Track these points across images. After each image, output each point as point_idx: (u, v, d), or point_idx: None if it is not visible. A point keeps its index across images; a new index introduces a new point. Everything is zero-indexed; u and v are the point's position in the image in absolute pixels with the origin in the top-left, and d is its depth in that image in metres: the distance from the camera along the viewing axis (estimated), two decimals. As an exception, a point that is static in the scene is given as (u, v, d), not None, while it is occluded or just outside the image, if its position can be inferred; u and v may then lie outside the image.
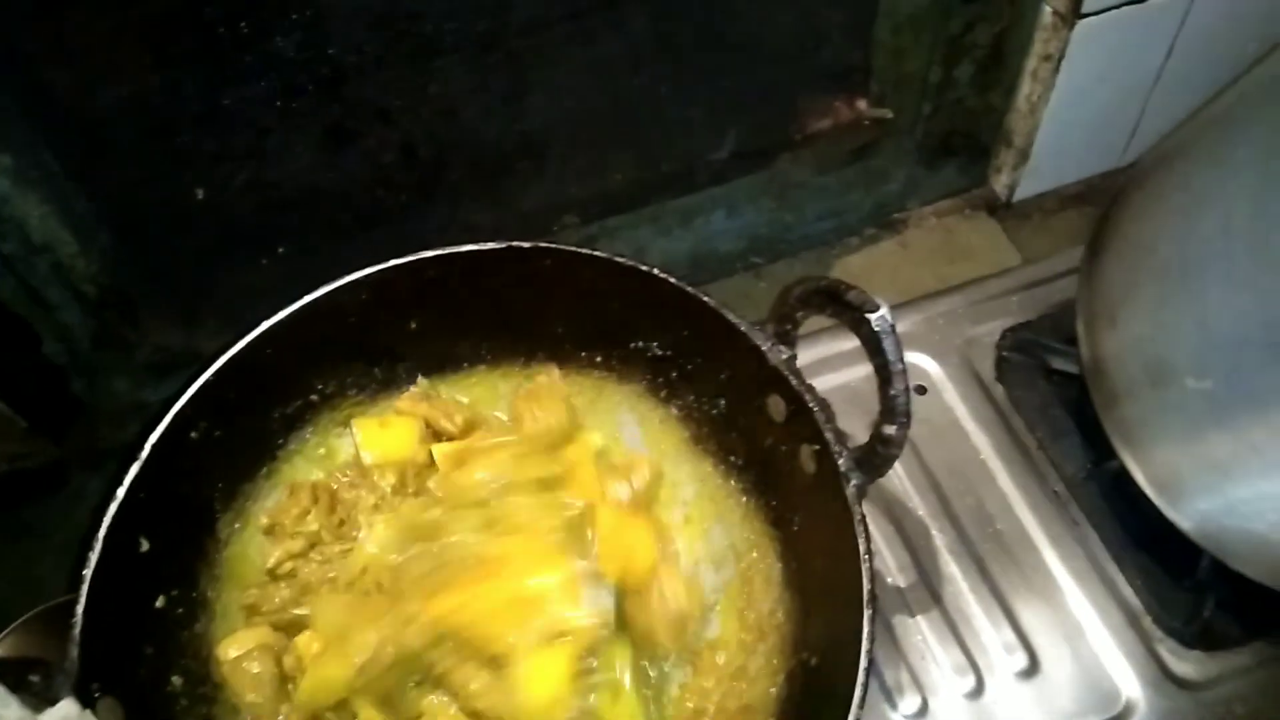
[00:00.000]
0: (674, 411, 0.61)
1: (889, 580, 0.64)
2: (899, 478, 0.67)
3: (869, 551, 0.48)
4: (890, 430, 0.49)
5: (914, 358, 0.73)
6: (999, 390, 0.71)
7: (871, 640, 0.47)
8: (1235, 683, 0.60)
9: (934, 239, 0.89)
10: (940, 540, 0.65)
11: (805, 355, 0.60)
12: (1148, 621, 0.62)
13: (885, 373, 0.48)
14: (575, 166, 0.73)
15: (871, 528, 0.65)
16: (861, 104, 0.82)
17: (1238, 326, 0.44)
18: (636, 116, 0.72)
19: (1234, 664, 0.60)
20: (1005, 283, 0.76)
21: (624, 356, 0.61)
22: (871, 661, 0.46)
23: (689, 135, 0.75)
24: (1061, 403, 0.68)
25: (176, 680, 0.51)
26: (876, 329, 0.48)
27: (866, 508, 0.50)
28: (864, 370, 0.52)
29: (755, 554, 0.58)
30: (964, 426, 0.70)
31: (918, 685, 0.60)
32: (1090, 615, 0.62)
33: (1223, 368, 0.46)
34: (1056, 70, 0.71)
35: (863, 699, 0.45)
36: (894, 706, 0.60)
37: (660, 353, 0.60)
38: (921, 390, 0.71)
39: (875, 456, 0.50)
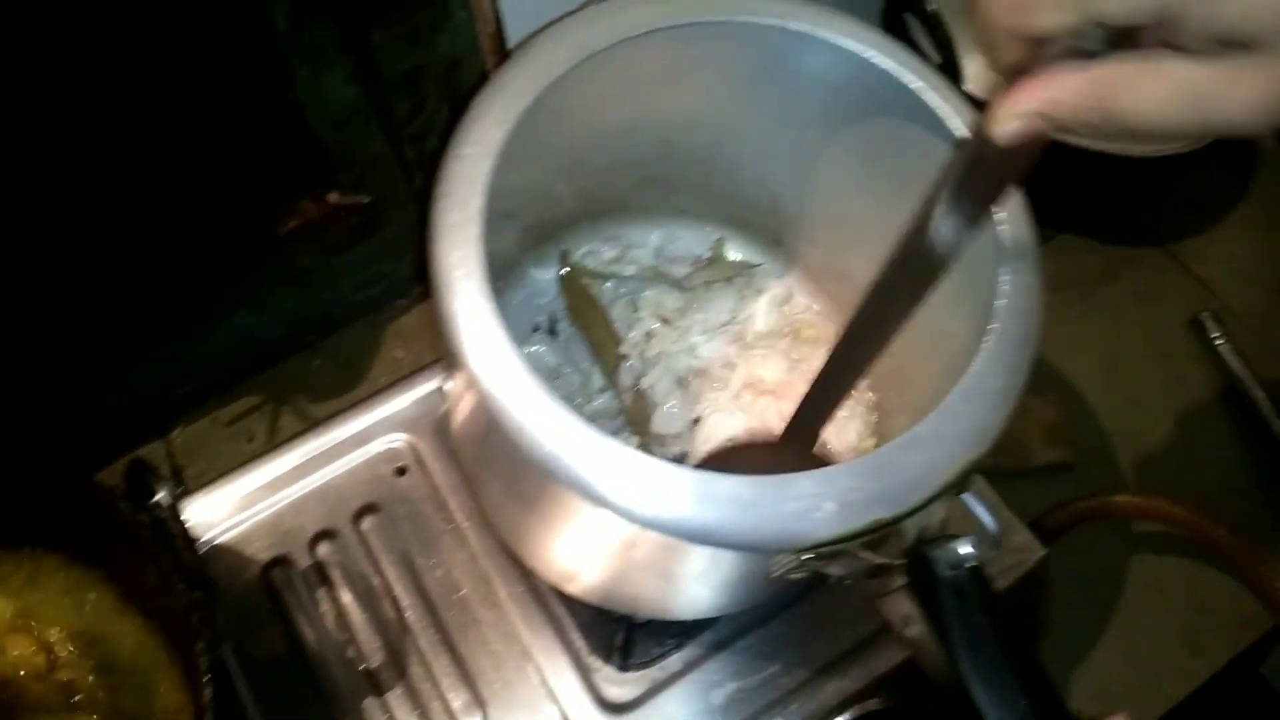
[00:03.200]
0: (101, 575, 0.65)
1: (361, 667, 0.70)
2: (376, 566, 0.74)
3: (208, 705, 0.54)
4: (196, 596, 0.54)
5: (397, 439, 0.78)
6: (474, 458, 0.77)
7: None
8: (657, 696, 0.69)
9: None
10: (410, 616, 0.72)
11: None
12: (585, 654, 0.70)
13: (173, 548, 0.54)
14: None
15: (350, 617, 0.72)
16: (333, 196, 0.86)
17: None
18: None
19: (653, 678, 0.69)
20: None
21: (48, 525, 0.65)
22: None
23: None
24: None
25: None
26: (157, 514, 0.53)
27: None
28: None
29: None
30: (442, 498, 0.76)
31: (380, 763, 0.67)
32: (542, 658, 0.70)
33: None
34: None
35: None
36: (357, 790, 0.67)
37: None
38: (402, 471, 0.77)
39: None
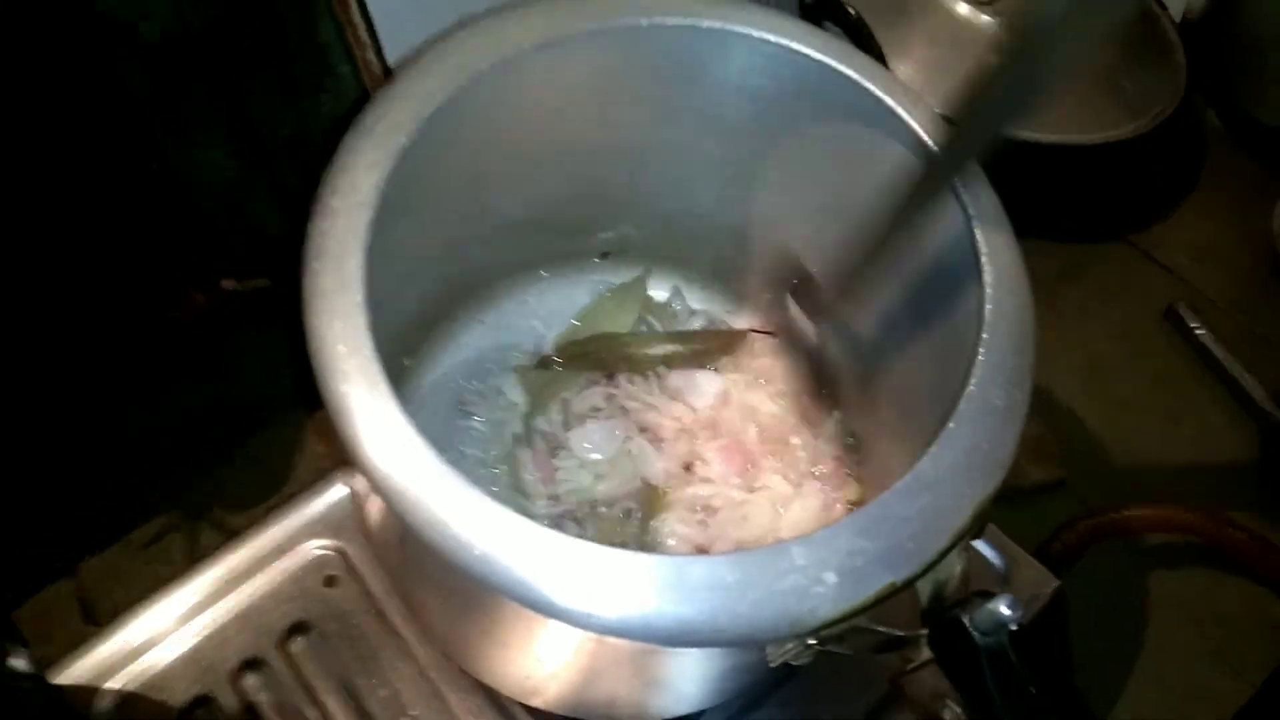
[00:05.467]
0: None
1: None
2: (311, 695, 0.64)
3: None
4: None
5: (323, 544, 0.69)
6: (411, 557, 0.68)
7: None
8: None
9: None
10: (354, 751, 0.62)
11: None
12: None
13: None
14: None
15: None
16: (228, 282, 0.77)
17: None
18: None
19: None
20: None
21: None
22: None
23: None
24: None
25: None
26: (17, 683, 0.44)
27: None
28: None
29: None
30: (379, 607, 0.67)
31: None
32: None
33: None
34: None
35: None
36: None
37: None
38: (331, 581, 0.68)
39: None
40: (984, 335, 0.40)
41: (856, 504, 0.62)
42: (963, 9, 0.84)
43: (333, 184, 0.40)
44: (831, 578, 0.35)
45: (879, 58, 0.74)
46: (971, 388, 0.39)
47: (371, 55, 0.65)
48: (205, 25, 0.57)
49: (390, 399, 0.36)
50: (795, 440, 0.61)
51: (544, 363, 0.68)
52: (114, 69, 0.56)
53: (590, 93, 0.50)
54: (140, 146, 0.59)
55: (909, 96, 0.47)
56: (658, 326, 0.69)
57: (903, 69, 0.80)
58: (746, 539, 0.55)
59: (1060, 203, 0.93)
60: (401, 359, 0.58)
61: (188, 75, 0.60)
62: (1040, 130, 0.83)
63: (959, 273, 0.44)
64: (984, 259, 0.42)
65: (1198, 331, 0.86)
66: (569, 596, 0.35)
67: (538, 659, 0.46)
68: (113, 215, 0.63)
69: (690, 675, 0.45)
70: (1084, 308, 0.90)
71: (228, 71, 0.61)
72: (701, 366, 0.65)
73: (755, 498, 0.58)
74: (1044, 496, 0.79)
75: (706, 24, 0.47)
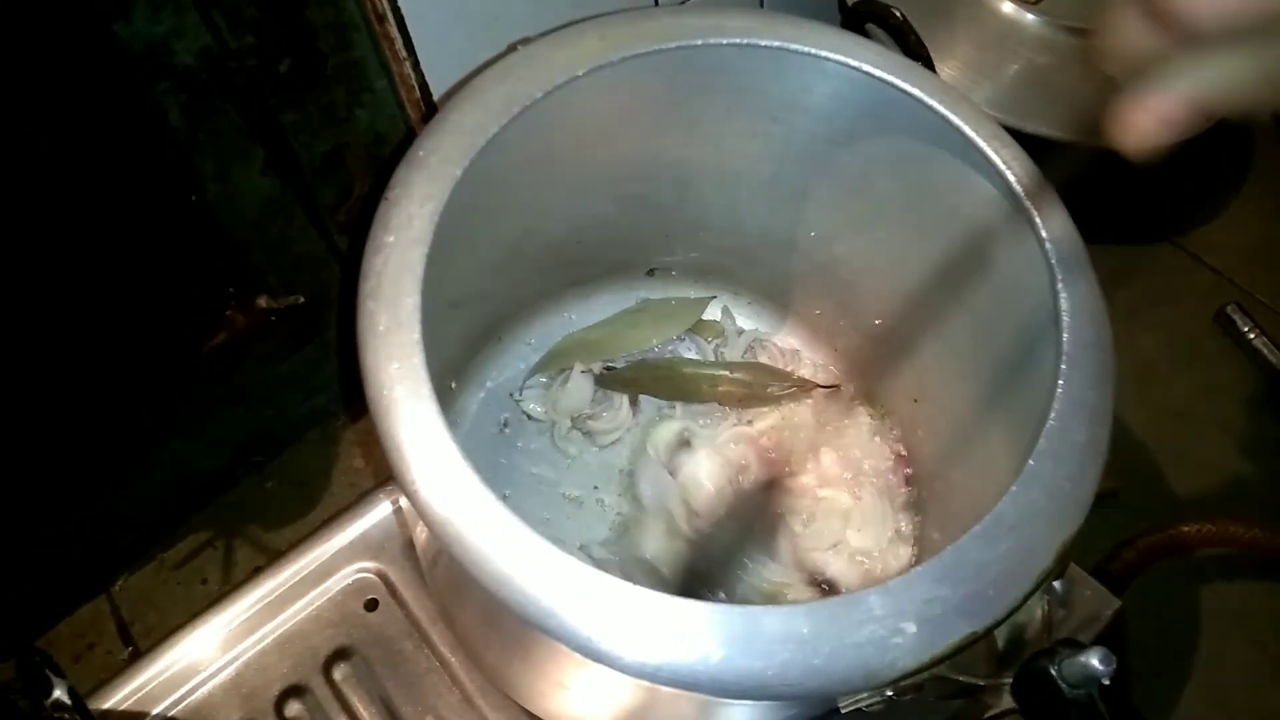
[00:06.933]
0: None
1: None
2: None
3: None
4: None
5: (364, 568, 0.68)
6: (454, 580, 0.67)
7: None
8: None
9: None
10: (400, 777, 0.61)
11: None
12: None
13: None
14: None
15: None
16: (262, 300, 0.76)
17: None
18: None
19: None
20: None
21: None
22: None
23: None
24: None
25: None
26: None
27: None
28: None
29: None
30: (422, 631, 0.66)
31: None
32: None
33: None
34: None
35: None
36: None
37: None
38: (373, 605, 0.67)
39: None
40: (1063, 367, 0.38)
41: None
42: (1007, 8, 0.81)
43: (385, 219, 0.39)
44: (910, 628, 0.34)
45: (925, 59, 0.72)
46: (1052, 422, 0.37)
47: (409, 69, 0.63)
48: (240, 43, 0.55)
49: (450, 444, 0.35)
50: (850, 464, 0.60)
51: (601, 379, 0.66)
52: (151, 101, 0.54)
53: (641, 113, 0.49)
54: (180, 180, 0.58)
55: (971, 109, 0.45)
56: (706, 345, 0.67)
57: (947, 70, 0.78)
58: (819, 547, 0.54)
59: (1106, 206, 0.91)
60: (449, 382, 0.57)
61: (224, 97, 0.59)
62: (1087, 134, 0.81)
63: (1032, 298, 0.42)
64: (1060, 285, 0.40)
65: (1249, 335, 0.84)
66: (636, 651, 0.33)
67: (595, 699, 0.45)
68: (153, 250, 0.62)
69: (754, 718, 0.44)
70: (1133, 312, 0.88)
71: (264, 91, 0.60)
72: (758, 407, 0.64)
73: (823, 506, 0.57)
74: (1096, 508, 0.77)
75: (765, 42, 0.45)
